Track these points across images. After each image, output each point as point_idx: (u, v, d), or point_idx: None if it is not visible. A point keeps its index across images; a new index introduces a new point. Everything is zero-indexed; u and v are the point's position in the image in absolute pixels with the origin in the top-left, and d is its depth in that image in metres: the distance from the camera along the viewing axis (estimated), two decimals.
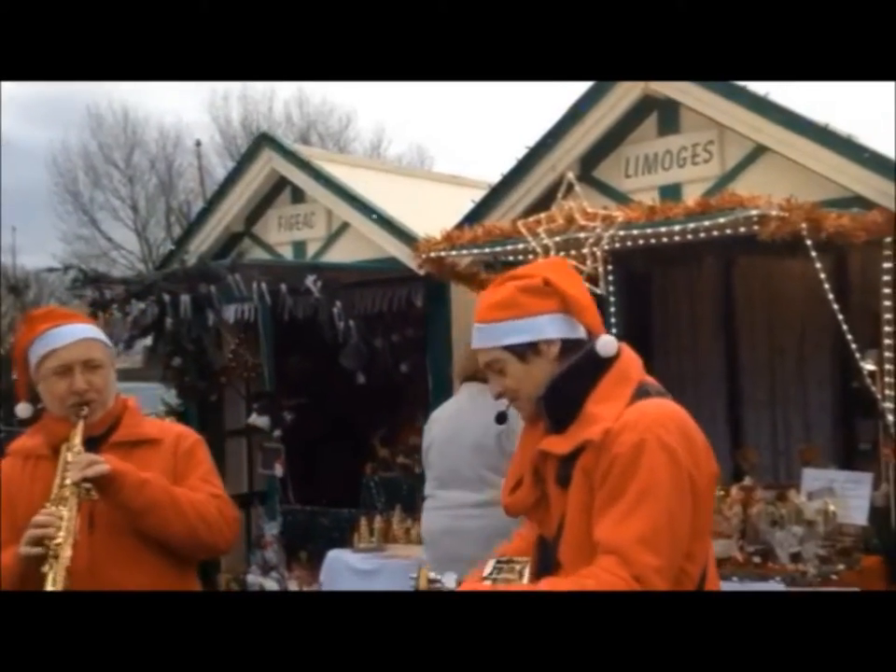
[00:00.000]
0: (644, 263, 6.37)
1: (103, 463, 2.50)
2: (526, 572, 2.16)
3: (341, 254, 7.31)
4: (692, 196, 5.46)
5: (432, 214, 6.46)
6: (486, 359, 2.20)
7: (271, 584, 6.85)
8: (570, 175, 4.88)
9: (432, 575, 2.01)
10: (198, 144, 13.05)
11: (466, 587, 2.14)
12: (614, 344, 2.16)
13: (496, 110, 40.21)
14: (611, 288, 5.49)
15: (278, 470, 7.23)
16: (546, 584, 1.97)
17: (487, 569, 2.21)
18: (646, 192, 6.09)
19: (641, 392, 2.11)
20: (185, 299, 5.88)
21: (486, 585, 2.12)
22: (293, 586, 6.73)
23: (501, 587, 2.11)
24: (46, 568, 2.40)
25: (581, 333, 2.17)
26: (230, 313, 6.77)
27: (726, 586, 4.77)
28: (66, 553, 2.41)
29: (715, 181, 5.96)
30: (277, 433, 7.26)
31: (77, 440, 2.60)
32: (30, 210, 32.03)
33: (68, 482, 2.49)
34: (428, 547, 5.01)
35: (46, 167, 29.72)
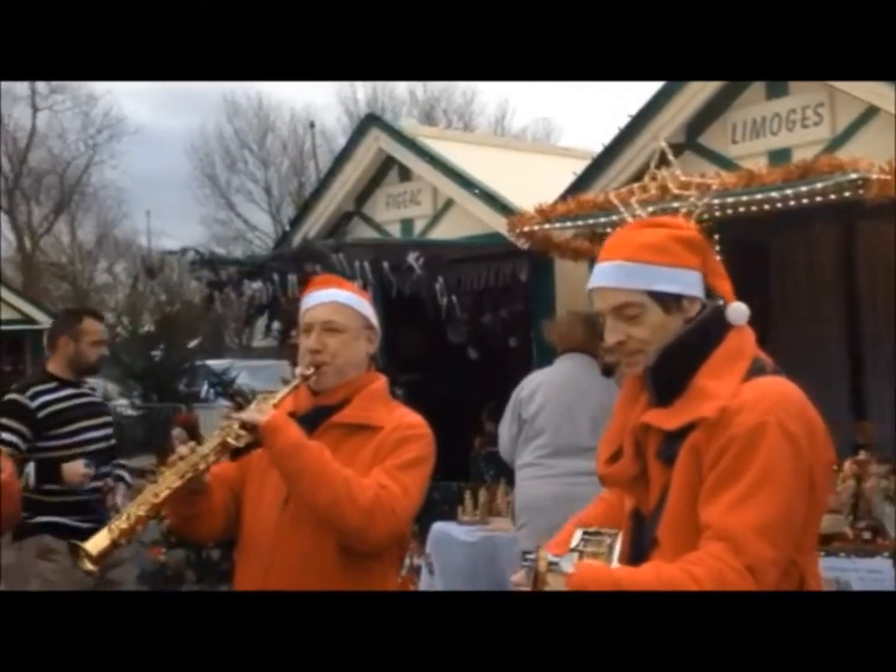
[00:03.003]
0: (760, 230, 6.20)
1: (263, 415, 2.41)
2: (617, 546, 2.02)
3: (447, 230, 7.38)
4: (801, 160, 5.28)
5: (540, 187, 6.44)
6: (620, 301, 1.99)
7: None
8: (664, 144, 4.78)
9: (551, 557, 1.85)
10: (312, 126, 13.30)
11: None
12: (746, 313, 2.01)
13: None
14: (718, 258, 5.37)
15: None
16: (651, 568, 1.87)
17: (574, 541, 2.05)
18: (754, 158, 5.91)
19: (756, 368, 1.96)
20: (292, 278, 6.05)
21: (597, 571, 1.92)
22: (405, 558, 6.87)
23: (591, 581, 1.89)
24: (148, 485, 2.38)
25: (705, 299, 2.03)
26: None
27: (834, 563, 4.65)
28: (169, 480, 2.35)
29: (826, 144, 5.75)
30: None
31: (280, 394, 2.51)
32: (169, 194, 33.42)
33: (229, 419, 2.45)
34: (535, 515, 5.00)
35: (184, 153, 30.94)
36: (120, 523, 2.30)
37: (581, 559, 2.00)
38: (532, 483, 5.13)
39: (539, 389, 5.18)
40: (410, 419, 2.63)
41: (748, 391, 1.91)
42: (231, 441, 2.41)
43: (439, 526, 6.22)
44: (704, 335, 2.00)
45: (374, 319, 2.70)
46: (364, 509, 2.40)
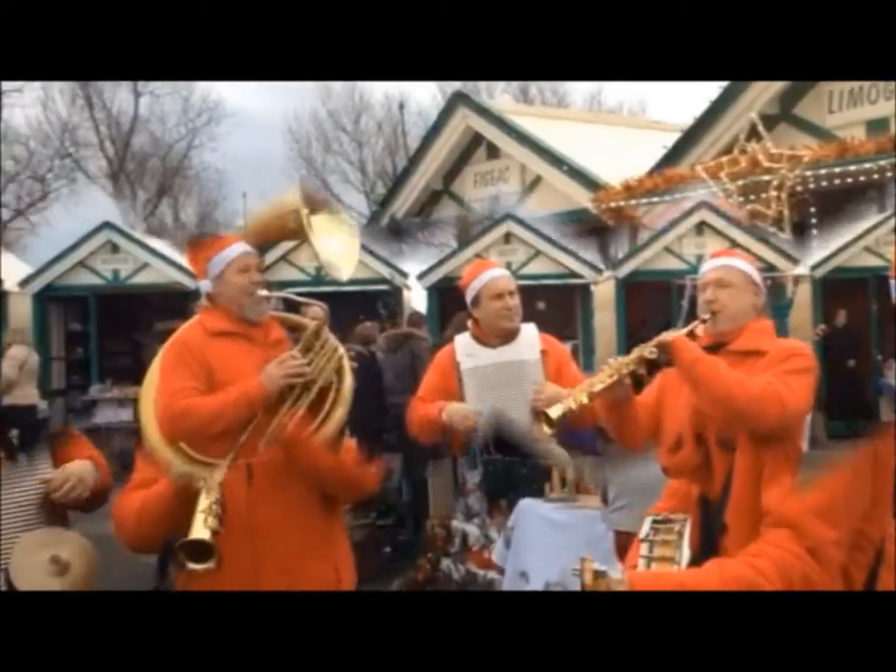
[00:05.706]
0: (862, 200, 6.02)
1: (670, 337, 2.93)
2: (686, 532, 2.07)
3: (535, 207, 7.34)
4: None
5: (631, 161, 6.37)
6: None
7: (472, 530, 7.03)
8: (754, 116, 4.66)
9: (597, 566, 1.86)
10: (401, 107, 13.34)
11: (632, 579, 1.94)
12: None
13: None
14: (814, 232, 5.25)
15: None
16: (714, 567, 1.87)
17: (643, 530, 2.12)
18: (852, 128, 5.76)
19: None
20: None
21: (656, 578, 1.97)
22: (493, 533, 6.88)
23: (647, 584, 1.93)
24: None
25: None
26: None
27: None
28: (601, 377, 2.86)
29: None
30: None
31: (684, 330, 3.03)
32: (266, 176, 33.98)
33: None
34: (637, 498, 4.94)
35: (281, 135, 31.39)
36: (570, 402, 2.86)
37: (653, 548, 2.01)
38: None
39: None
40: (794, 343, 3.07)
41: None
42: (646, 354, 2.91)
43: (525, 502, 6.20)
44: None
45: (759, 277, 3.14)
46: (755, 395, 2.73)
